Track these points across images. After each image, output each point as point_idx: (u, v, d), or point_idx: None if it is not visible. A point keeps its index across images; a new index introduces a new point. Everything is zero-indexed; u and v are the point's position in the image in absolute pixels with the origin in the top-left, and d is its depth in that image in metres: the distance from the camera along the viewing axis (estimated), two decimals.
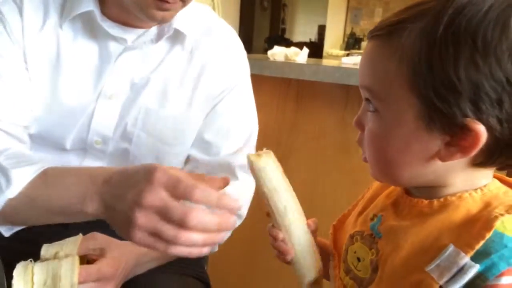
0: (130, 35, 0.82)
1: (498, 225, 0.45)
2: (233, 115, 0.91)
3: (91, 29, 0.82)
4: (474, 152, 0.45)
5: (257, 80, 1.52)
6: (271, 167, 0.60)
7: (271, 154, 0.61)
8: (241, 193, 0.90)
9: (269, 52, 1.52)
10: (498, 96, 0.43)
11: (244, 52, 0.96)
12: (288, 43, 6.05)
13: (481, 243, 0.44)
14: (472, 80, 0.42)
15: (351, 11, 4.41)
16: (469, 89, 0.43)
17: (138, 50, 0.83)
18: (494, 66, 0.42)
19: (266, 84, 1.49)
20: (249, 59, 1.49)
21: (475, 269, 0.44)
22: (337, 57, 3.80)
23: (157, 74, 0.84)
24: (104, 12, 0.80)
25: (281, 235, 0.61)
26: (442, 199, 0.50)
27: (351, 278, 0.58)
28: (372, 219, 0.58)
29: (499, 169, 0.51)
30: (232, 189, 0.83)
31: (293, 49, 1.52)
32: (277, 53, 1.50)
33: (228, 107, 0.90)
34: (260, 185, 0.60)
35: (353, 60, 1.61)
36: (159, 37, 0.83)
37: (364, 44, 4.28)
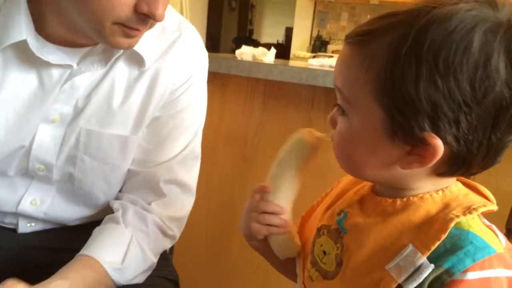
0: (74, 56, 0.74)
1: (463, 223, 0.47)
2: (173, 122, 0.84)
3: (27, 58, 0.71)
4: (431, 163, 0.47)
5: (224, 79, 1.53)
6: (314, 151, 0.63)
7: (327, 142, 0.61)
8: (170, 212, 0.84)
9: (237, 52, 1.53)
10: (455, 116, 0.44)
11: (201, 51, 0.87)
12: (255, 44, 6.06)
13: (437, 244, 0.46)
14: (430, 99, 0.44)
15: (318, 14, 4.47)
16: (428, 107, 0.44)
17: (86, 73, 0.75)
18: (452, 87, 0.43)
19: (233, 83, 1.50)
20: (217, 58, 1.49)
21: (430, 269, 0.46)
22: (303, 58, 3.84)
23: (97, 92, 0.76)
24: (44, 32, 0.71)
25: (284, 210, 0.63)
26: (405, 199, 0.52)
27: (317, 270, 0.60)
28: (339, 214, 0.59)
29: (463, 176, 0.53)
30: (159, 208, 0.82)
31: (261, 49, 1.53)
32: (245, 52, 1.51)
33: (171, 115, 0.83)
34: (291, 157, 0.63)
35: (320, 62, 1.64)
36: (107, 56, 0.75)
37: (330, 47, 4.36)
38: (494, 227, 0.50)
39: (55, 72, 0.74)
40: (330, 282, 0.56)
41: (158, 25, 0.77)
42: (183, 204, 0.88)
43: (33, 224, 0.88)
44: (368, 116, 0.49)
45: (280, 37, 7.27)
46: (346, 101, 0.51)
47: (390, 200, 0.53)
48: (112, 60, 0.75)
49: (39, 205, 0.84)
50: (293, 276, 0.68)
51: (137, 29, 0.66)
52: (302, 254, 0.66)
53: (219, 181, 1.55)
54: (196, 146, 0.89)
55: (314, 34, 4.46)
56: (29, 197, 0.83)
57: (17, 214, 0.85)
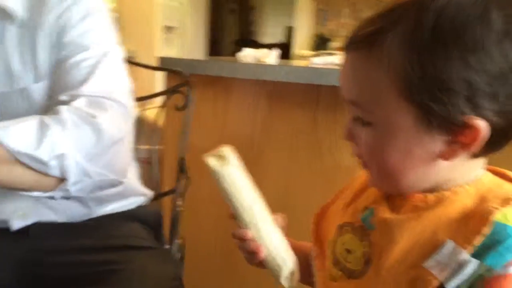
0: None
1: (499, 217, 0.46)
2: (72, 51, 0.83)
3: None
4: (477, 146, 0.46)
5: (228, 82, 1.52)
6: (233, 165, 0.60)
7: (231, 151, 0.61)
8: (94, 107, 0.77)
9: (240, 55, 1.52)
10: (492, 90, 0.44)
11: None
12: (257, 45, 6.05)
13: (479, 238, 0.45)
14: (465, 78, 0.43)
15: (319, 12, 4.46)
16: (464, 87, 0.43)
17: None
18: (485, 61, 0.43)
19: (237, 86, 1.49)
20: (220, 61, 1.48)
21: (474, 264, 0.45)
22: (306, 57, 3.82)
23: None
24: None
25: (249, 234, 0.61)
26: (437, 194, 0.51)
27: (340, 270, 0.58)
28: (363, 211, 0.57)
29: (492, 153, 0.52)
30: (80, 103, 0.76)
31: (263, 50, 1.52)
32: (247, 55, 1.50)
33: (66, 48, 0.83)
34: (223, 186, 0.60)
35: (323, 60, 1.62)
36: None
37: (332, 44, 4.33)
38: None
39: None
40: (358, 281, 0.55)
41: None
42: (125, 113, 0.82)
43: (20, 213, 0.86)
44: (399, 117, 0.47)
45: (282, 37, 7.27)
46: (368, 111, 0.50)
47: (420, 195, 0.52)
48: None
49: None
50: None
51: None
52: (319, 254, 0.64)
53: None
54: (109, 64, 0.85)
55: (316, 32, 4.45)
56: None
57: None
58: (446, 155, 0.48)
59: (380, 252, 0.52)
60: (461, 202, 0.49)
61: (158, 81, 3.41)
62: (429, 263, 0.47)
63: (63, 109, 0.74)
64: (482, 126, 0.45)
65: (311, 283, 0.65)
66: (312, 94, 1.38)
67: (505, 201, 0.47)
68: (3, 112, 0.81)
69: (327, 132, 1.37)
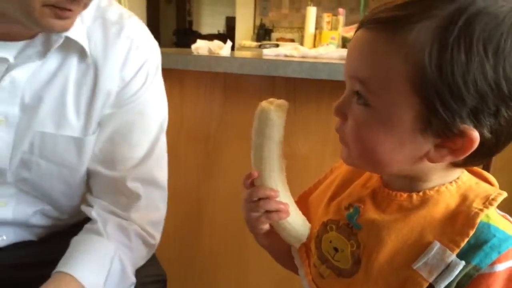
0: (11, 50, 0.69)
1: (482, 217, 0.47)
2: (133, 118, 0.81)
3: None
4: (465, 155, 0.46)
5: (182, 75, 1.50)
6: (281, 119, 0.58)
7: (286, 106, 0.59)
8: (150, 216, 0.83)
9: (193, 46, 1.51)
10: (497, 109, 0.44)
11: (146, 42, 0.82)
12: (196, 36, 5.98)
13: (466, 240, 0.46)
14: (478, 90, 0.43)
15: (259, 3, 4.47)
16: (474, 99, 0.43)
17: (25, 66, 0.70)
18: (501, 79, 0.42)
19: (191, 78, 1.48)
20: (174, 53, 1.46)
21: (461, 266, 0.46)
22: (250, 48, 3.83)
23: (50, 90, 0.73)
24: None
25: (278, 193, 0.59)
26: (421, 193, 0.52)
27: (328, 267, 0.58)
28: (347, 209, 0.57)
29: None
30: (137, 214, 0.81)
31: (216, 42, 1.51)
32: (201, 47, 1.49)
33: (127, 110, 0.80)
34: (269, 129, 0.58)
35: (274, 52, 1.65)
36: (45, 48, 0.70)
37: (274, 35, 4.37)
38: (508, 216, 0.51)
39: None
40: (348, 280, 0.55)
41: (98, 17, 0.76)
42: (159, 205, 0.86)
43: (4, 237, 0.84)
44: (401, 107, 0.46)
45: (221, 27, 7.23)
46: (373, 93, 0.47)
47: (405, 195, 0.53)
48: (52, 50, 0.70)
49: (5, 205, 0.80)
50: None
51: (69, 10, 0.63)
52: (303, 246, 0.64)
53: (184, 179, 1.53)
54: (164, 142, 0.87)
55: (257, 23, 4.46)
56: None
57: None
58: (432, 158, 0.48)
59: (369, 253, 0.53)
60: (444, 202, 0.50)
61: None
62: (418, 265, 0.48)
63: (131, 232, 0.79)
64: (476, 137, 0.45)
65: (294, 269, 0.66)
66: (268, 85, 1.39)
67: (486, 201, 0.49)
68: (49, 156, 0.75)
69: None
